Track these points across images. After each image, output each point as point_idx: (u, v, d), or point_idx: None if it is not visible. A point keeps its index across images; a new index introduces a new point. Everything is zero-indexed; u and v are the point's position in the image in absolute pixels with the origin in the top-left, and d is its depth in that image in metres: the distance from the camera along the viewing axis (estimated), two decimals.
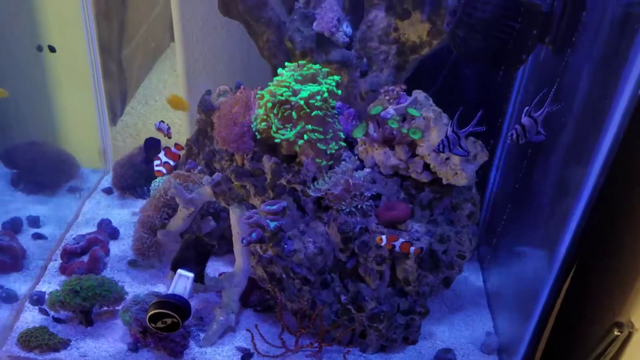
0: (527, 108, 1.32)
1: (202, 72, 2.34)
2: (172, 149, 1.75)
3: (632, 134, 1.21)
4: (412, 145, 1.64)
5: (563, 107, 1.38)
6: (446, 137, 1.38)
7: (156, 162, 1.73)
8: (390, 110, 1.61)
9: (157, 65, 2.71)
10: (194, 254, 1.63)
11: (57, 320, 1.81)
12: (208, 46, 2.30)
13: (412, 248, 1.54)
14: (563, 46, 1.51)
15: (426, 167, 1.65)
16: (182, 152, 1.76)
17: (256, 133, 1.68)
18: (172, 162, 1.75)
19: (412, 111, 1.61)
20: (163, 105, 2.52)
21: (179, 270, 1.59)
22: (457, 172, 1.59)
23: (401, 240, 1.54)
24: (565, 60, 1.49)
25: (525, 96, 1.87)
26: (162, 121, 1.91)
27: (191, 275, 1.58)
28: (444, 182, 1.65)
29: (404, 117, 1.64)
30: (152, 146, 2.01)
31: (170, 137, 1.91)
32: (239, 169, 1.73)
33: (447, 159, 1.59)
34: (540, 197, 1.64)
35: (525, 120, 1.32)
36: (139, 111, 2.63)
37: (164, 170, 1.74)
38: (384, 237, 1.53)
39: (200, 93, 2.01)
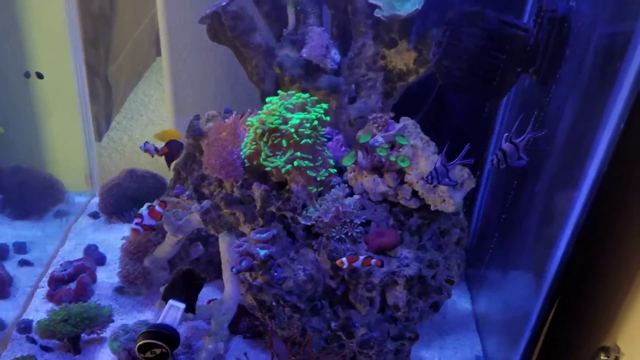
0: (506, 134, 1.35)
1: (190, 94, 2.34)
2: (157, 207, 1.72)
3: (617, 164, 1.24)
4: (400, 173, 1.66)
5: (548, 135, 1.41)
6: (435, 169, 1.41)
7: (136, 220, 1.71)
8: (379, 138, 1.62)
9: (142, 80, 2.70)
10: (186, 285, 1.62)
11: (44, 348, 1.80)
12: (196, 68, 2.31)
13: (373, 261, 1.55)
14: (547, 76, 1.54)
15: (414, 194, 1.66)
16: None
17: (245, 160, 1.68)
18: (152, 223, 1.72)
19: (400, 139, 1.62)
20: (149, 120, 2.51)
21: (170, 301, 1.58)
22: (445, 199, 1.61)
23: (361, 258, 1.55)
24: (549, 91, 1.52)
25: (510, 125, 1.90)
26: (147, 142, 1.90)
27: (182, 306, 1.57)
28: (432, 208, 1.66)
29: (393, 145, 1.66)
30: (176, 147, 1.99)
31: (160, 155, 1.90)
32: (228, 197, 1.73)
33: (435, 186, 1.60)
34: (527, 223, 1.66)
35: (505, 146, 1.35)
36: (124, 126, 2.63)
37: (141, 231, 1.72)
38: (344, 259, 1.54)
39: (188, 116, 2.01)
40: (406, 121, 1.72)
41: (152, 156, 1.91)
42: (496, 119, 1.94)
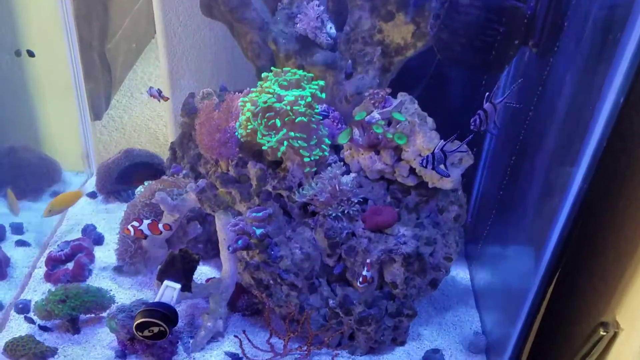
0: (487, 94, 1.32)
1: (186, 71, 2.31)
2: (160, 225, 1.74)
3: (617, 137, 1.22)
4: (397, 150, 1.64)
5: (547, 108, 1.37)
6: (432, 154, 1.38)
7: (134, 223, 1.73)
8: (375, 114, 1.60)
9: (141, 58, 2.67)
10: (180, 267, 1.61)
11: (43, 328, 1.80)
12: (191, 44, 2.27)
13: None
14: (546, 49, 1.51)
15: (412, 171, 1.65)
16: (165, 233, 1.75)
17: (241, 139, 1.67)
18: (147, 233, 1.74)
19: (397, 115, 1.60)
20: (148, 98, 2.51)
21: (166, 282, 1.58)
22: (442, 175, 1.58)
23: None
24: (549, 63, 1.49)
25: (509, 99, 1.87)
26: (151, 87, 1.89)
27: (178, 286, 1.57)
28: (430, 185, 1.65)
29: (389, 122, 1.64)
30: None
31: (166, 100, 1.90)
32: (224, 176, 1.72)
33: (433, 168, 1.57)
34: (526, 198, 1.64)
35: (487, 106, 1.32)
36: (124, 104, 2.61)
37: (132, 232, 1.74)
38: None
39: (184, 92, 1.99)
40: (403, 97, 1.70)
41: (159, 101, 1.91)
42: (497, 93, 1.90)
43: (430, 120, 1.61)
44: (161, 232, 1.74)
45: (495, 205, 1.87)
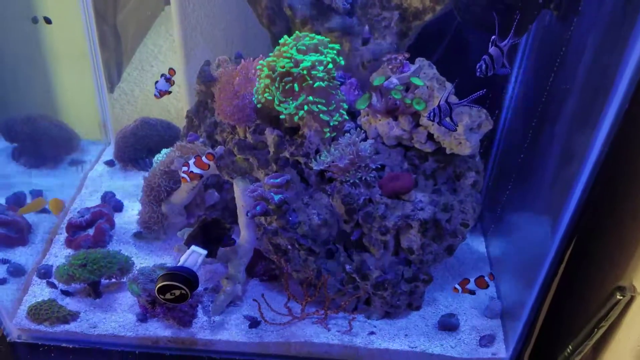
0: (493, 37, 1.28)
1: (199, 39, 2.29)
2: (203, 158, 1.68)
3: (638, 102, 1.20)
4: (415, 115, 1.62)
5: (568, 72, 1.34)
6: (438, 106, 1.35)
7: (184, 168, 1.68)
8: (393, 80, 1.58)
9: (151, 30, 2.65)
10: (211, 234, 1.62)
11: (65, 292, 1.83)
12: (205, 12, 2.24)
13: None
14: (568, 11, 1.47)
15: (430, 137, 1.63)
16: (211, 162, 1.70)
17: (258, 105, 1.66)
18: (199, 171, 1.69)
19: (416, 80, 1.58)
20: (159, 71, 2.49)
21: (193, 247, 1.58)
22: (461, 141, 1.58)
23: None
24: (570, 26, 1.46)
25: (530, 63, 1.84)
26: (157, 81, 1.83)
27: (204, 252, 1.57)
28: (448, 151, 1.63)
29: (407, 87, 1.62)
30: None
31: (173, 83, 1.84)
32: (241, 142, 1.72)
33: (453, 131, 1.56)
34: (544, 164, 1.63)
35: (492, 50, 1.28)
36: (135, 77, 2.59)
37: (189, 179, 1.70)
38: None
39: (199, 61, 1.97)
40: (422, 62, 1.67)
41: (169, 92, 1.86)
42: (515, 57, 1.88)
43: (449, 85, 1.59)
44: (208, 166, 1.69)
45: (513, 172, 1.86)
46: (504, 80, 1.92)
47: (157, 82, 1.82)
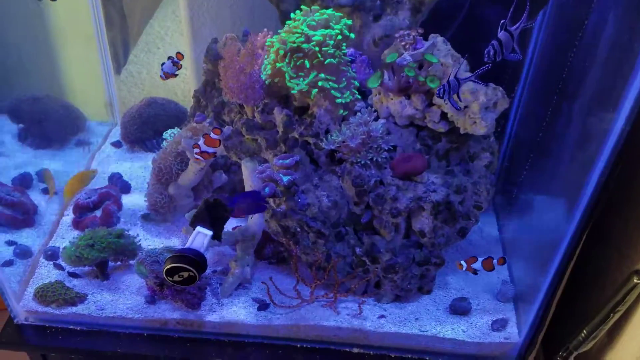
0: (503, 21, 1.24)
1: (206, 18, 2.25)
2: (211, 134, 1.65)
3: None
4: (428, 94, 1.58)
5: (588, 51, 1.29)
6: (447, 82, 1.30)
7: (196, 150, 1.66)
8: (407, 56, 1.53)
9: (158, 11, 2.61)
10: (214, 215, 1.58)
11: (72, 275, 1.81)
12: None
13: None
14: None
15: (443, 116, 1.59)
16: (220, 137, 1.67)
17: (266, 82, 1.62)
18: (211, 150, 1.67)
19: (430, 57, 1.53)
20: (166, 52, 2.46)
21: (198, 227, 1.56)
22: (475, 120, 1.53)
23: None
24: (591, 3, 1.40)
25: (547, 39, 1.78)
26: (164, 62, 1.81)
27: (210, 233, 1.55)
28: (462, 131, 1.59)
29: (421, 64, 1.57)
30: None
31: (180, 68, 1.83)
32: (249, 122, 1.69)
33: (466, 107, 1.52)
34: (562, 145, 1.59)
35: (501, 34, 1.24)
36: (142, 59, 2.57)
37: (203, 160, 1.69)
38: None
39: (205, 42, 1.93)
40: (435, 38, 1.62)
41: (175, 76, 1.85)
42: (531, 34, 1.82)
43: (464, 62, 1.54)
44: (219, 142, 1.66)
45: (529, 152, 1.81)
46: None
47: (163, 63, 1.80)
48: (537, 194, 1.79)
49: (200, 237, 1.54)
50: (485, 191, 1.67)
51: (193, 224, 1.57)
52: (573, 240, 1.41)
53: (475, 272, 1.60)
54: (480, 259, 1.59)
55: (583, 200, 1.35)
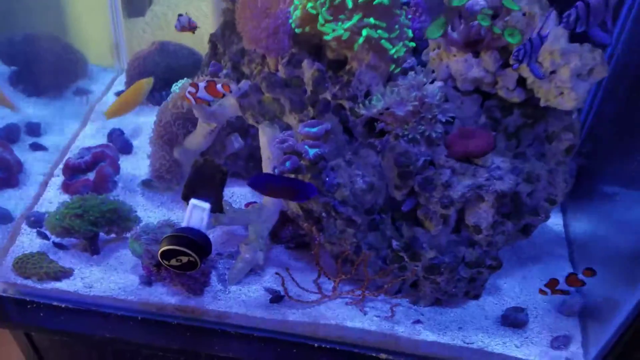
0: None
1: None
2: (218, 85, 1.50)
3: None
4: (504, 52, 1.33)
5: None
6: (529, 40, 1.08)
7: (190, 89, 1.54)
8: (480, 0, 1.27)
9: None
10: (207, 180, 1.44)
11: (58, 245, 1.69)
12: None
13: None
14: None
15: (521, 82, 1.34)
16: (227, 94, 1.55)
17: (295, 28, 1.40)
18: (207, 99, 1.55)
19: (509, 3, 1.26)
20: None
21: (192, 201, 1.40)
22: (563, 91, 1.27)
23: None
24: None
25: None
26: (180, 14, 1.74)
27: (207, 205, 1.40)
28: (542, 103, 1.34)
29: (497, 13, 1.31)
30: None
31: (194, 31, 1.78)
32: (271, 77, 1.48)
33: (553, 72, 1.26)
34: None
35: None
36: (168, 0, 2.45)
37: (193, 102, 1.57)
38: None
39: None
40: None
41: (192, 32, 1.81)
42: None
43: (553, 13, 1.26)
44: (223, 95, 1.53)
45: (610, 135, 1.59)
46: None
47: (180, 15, 1.76)
48: (624, 187, 1.56)
49: (197, 212, 1.40)
50: (563, 182, 1.43)
51: (186, 197, 1.42)
52: None
53: (566, 292, 1.47)
54: (561, 279, 1.44)
55: None
